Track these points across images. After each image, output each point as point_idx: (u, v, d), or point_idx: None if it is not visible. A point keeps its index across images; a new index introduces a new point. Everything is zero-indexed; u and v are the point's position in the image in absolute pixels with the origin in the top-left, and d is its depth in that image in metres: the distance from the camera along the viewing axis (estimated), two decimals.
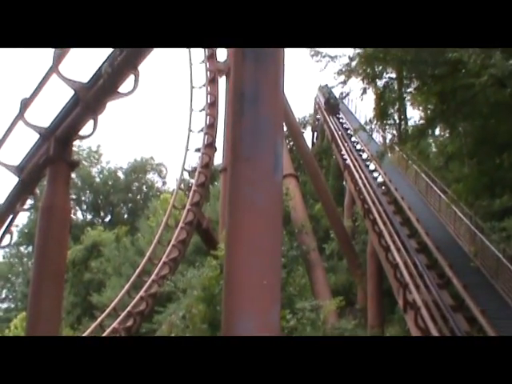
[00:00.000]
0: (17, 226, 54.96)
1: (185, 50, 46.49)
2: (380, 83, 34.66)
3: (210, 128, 43.09)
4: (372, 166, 40.59)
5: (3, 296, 65.28)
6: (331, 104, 51.99)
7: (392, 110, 38.22)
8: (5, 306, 63.71)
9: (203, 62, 45.38)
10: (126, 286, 36.38)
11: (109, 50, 13.81)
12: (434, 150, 43.31)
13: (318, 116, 56.35)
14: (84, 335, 34.30)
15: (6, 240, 20.56)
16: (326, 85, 53.15)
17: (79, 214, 68.97)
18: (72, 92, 14.86)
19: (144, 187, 72.41)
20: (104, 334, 32.84)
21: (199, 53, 45.69)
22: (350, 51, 31.22)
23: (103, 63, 13.98)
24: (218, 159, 44.63)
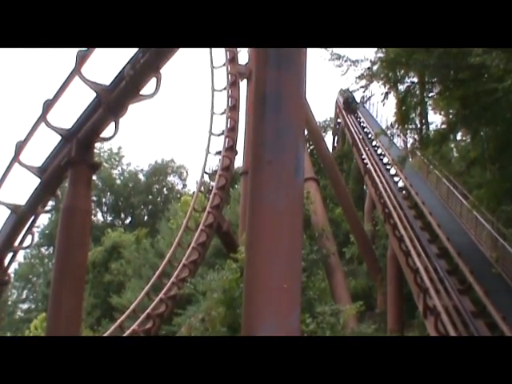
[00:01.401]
0: (38, 227, 55.28)
1: (206, 53, 46.61)
2: (402, 88, 34.67)
3: (231, 131, 43.13)
4: (393, 171, 40.49)
5: (24, 296, 65.63)
6: (349, 102, 52.18)
7: (414, 115, 38.13)
8: (25, 306, 64.09)
9: (224, 65, 45.43)
10: (146, 288, 36.49)
11: (130, 52, 13.86)
12: (455, 154, 43.11)
13: (338, 120, 56.30)
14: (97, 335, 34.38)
15: (28, 241, 20.68)
16: (348, 89, 53.09)
17: (100, 216, 69.31)
18: (94, 94, 14.93)
19: (164, 189, 72.59)
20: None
21: (220, 56, 45.82)
22: (371, 55, 31.15)
23: (125, 65, 14.03)
24: (239, 162, 44.84)
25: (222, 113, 44.52)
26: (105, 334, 34.89)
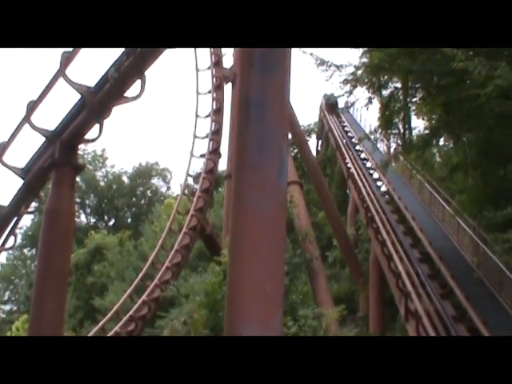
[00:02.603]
0: (21, 228, 55.15)
1: (191, 56, 46.66)
2: (385, 93, 34.83)
3: (215, 134, 43.19)
4: (376, 175, 40.63)
5: (6, 298, 65.44)
6: (330, 102, 52.45)
7: (397, 120, 38.38)
8: (7, 307, 63.91)
9: (209, 68, 45.47)
10: (129, 291, 36.45)
11: (115, 54, 13.83)
12: (438, 160, 43.32)
13: (322, 124, 56.39)
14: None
15: (10, 242, 20.62)
16: (332, 94, 53.27)
17: (83, 218, 69.21)
18: (78, 96, 14.89)
19: (148, 192, 72.60)
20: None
21: (205, 59, 45.84)
22: (355, 60, 31.29)
23: (110, 68, 14.01)
24: (223, 165, 44.81)
25: (207, 116, 44.60)
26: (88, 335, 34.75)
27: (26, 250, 62.60)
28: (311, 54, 32.78)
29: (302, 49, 30.53)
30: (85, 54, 14.34)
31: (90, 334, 34.72)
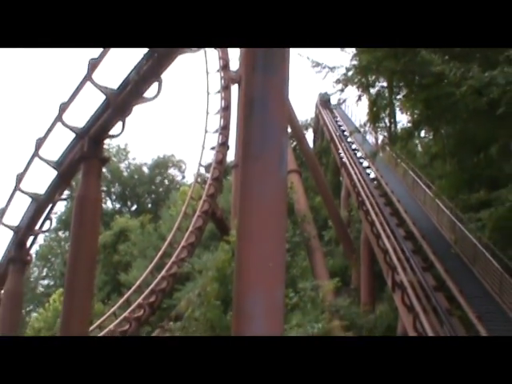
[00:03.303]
0: (55, 213, 55.18)
1: (202, 61, 46.58)
2: (373, 91, 34.80)
3: (224, 129, 43.20)
4: (366, 164, 40.52)
5: (44, 274, 65.57)
6: (324, 100, 52.52)
7: (383, 115, 38.38)
8: (45, 282, 64.09)
9: (218, 71, 45.42)
10: (150, 267, 36.52)
11: (135, 57, 13.81)
12: (419, 150, 43.17)
13: (318, 119, 56.18)
14: (108, 314, 34.30)
15: (47, 226, 20.67)
16: (326, 92, 53.23)
17: (109, 204, 69.07)
18: (103, 97, 14.90)
19: (166, 181, 72.43)
20: (130, 309, 32.91)
21: (214, 63, 45.80)
22: (346, 62, 31.18)
23: (131, 72, 14.01)
24: (231, 156, 44.71)
25: (216, 113, 44.55)
26: (114, 307, 34.80)
27: (60, 233, 62.58)
28: (307, 58, 32.70)
29: (299, 52, 30.20)
30: (108, 57, 14.33)
31: (116, 305, 34.81)
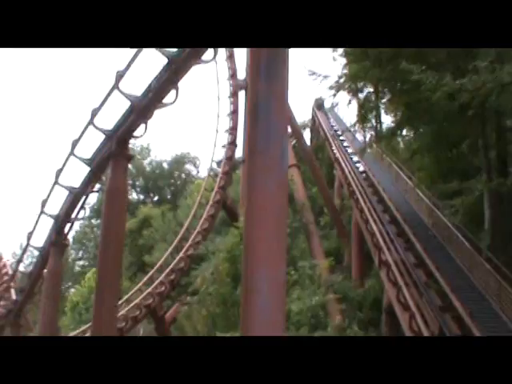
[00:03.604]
0: (88, 204, 55.26)
1: (213, 71, 46.52)
2: (361, 96, 34.90)
3: (233, 129, 43.17)
4: (355, 159, 40.46)
5: (80, 256, 65.85)
6: (319, 102, 52.63)
7: (370, 116, 38.37)
8: (81, 263, 64.31)
9: (227, 79, 45.40)
10: (170, 249, 36.49)
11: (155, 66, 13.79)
12: (402, 146, 43.05)
13: (314, 120, 56.03)
14: (134, 290, 34.34)
15: (81, 214, 20.77)
16: (320, 97, 53.20)
17: (134, 195, 68.98)
18: (129, 103, 14.93)
19: (183, 175, 72.23)
20: (153, 285, 32.96)
21: (224, 73, 45.80)
22: (338, 71, 31.27)
23: (152, 81, 14.02)
24: (239, 153, 44.67)
25: (226, 116, 44.52)
26: (139, 284, 34.86)
27: (92, 220, 62.63)
28: (305, 67, 32.82)
29: (297, 62, 30.11)
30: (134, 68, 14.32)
31: (141, 282, 34.87)
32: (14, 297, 31.70)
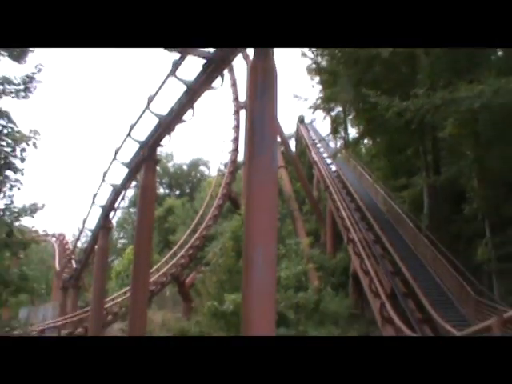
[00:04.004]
0: (127, 196, 55.27)
1: (221, 95, 46.54)
2: (333, 113, 35.04)
3: (235, 139, 43.24)
4: (329, 161, 40.50)
5: (121, 236, 65.89)
6: (301, 118, 52.79)
7: (340, 129, 38.51)
8: (122, 241, 64.34)
9: (232, 101, 45.44)
10: (188, 231, 36.54)
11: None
12: (364, 151, 43.09)
13: (298, 132, 55.97)
14: (161, 262, 34.30)
15: (122, 204, 20.92)
16: (302, 114, 53.51)
17: (161, 190, 68.79)
18: (157, 119, 14.97)
19: (198, 174, 71.96)
20: (176, 258, 32.97)
21: (229, 96, 45.81)
22: (316, 95, 31.47)
23: (174, 103, 14.03)
24: (241, 157, 44.71)
25: (231, 129, 44.56)
26: (165, 257, 34.88)
27: (130, 209, 62.63)
28: (290, 92, 33.15)
29: (284, 88, 30.22)
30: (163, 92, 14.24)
31: (167, 256, 34.90)
32: (74, 266, 32.24)
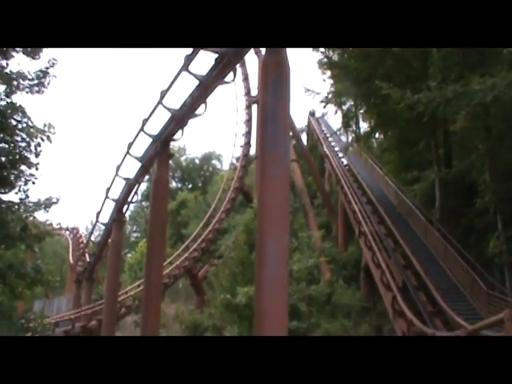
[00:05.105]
0: (140, 190, 55.61)
1: (233, 90, 46.53)
2: (344, 107, 34.87)
3: (248, 133, 43.19)
4: (341, 155, 40.34)
5: (134, 229, 66.23)
6: (312, 112, 52.68)
7: (351, 123, 38.33)
8: (135, 235, 64.68)
9: (244, 95, 45.37)
10: (201, 224, 36.64)
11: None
12: (375, 145, 42.88)
13: (309, 126, 55.74)
14: (175, 255, 34.41)
15: (135, 198, 20.95)
16: (313, 109, 53.34)
17: (174, 184, 69.05)
18: (170, 114, 14.95)
19: (210, 168, 72.10)
20: (188, 251, 33.06)
21: (241, 90, 45.77)
22: (327, 89, 31.39)
23: (187, 97, 14.01)
24: (253, 151, 44.71)
25: (243, 123, 44.50)
26: (178, 250, 34.98)
27: (143, 203, 62.94)
28: (302, 86, 33.10)
29: (296, 82, 30.11)
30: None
31: (180, 249, 35.00)
32: (88, 259, 32.40)
